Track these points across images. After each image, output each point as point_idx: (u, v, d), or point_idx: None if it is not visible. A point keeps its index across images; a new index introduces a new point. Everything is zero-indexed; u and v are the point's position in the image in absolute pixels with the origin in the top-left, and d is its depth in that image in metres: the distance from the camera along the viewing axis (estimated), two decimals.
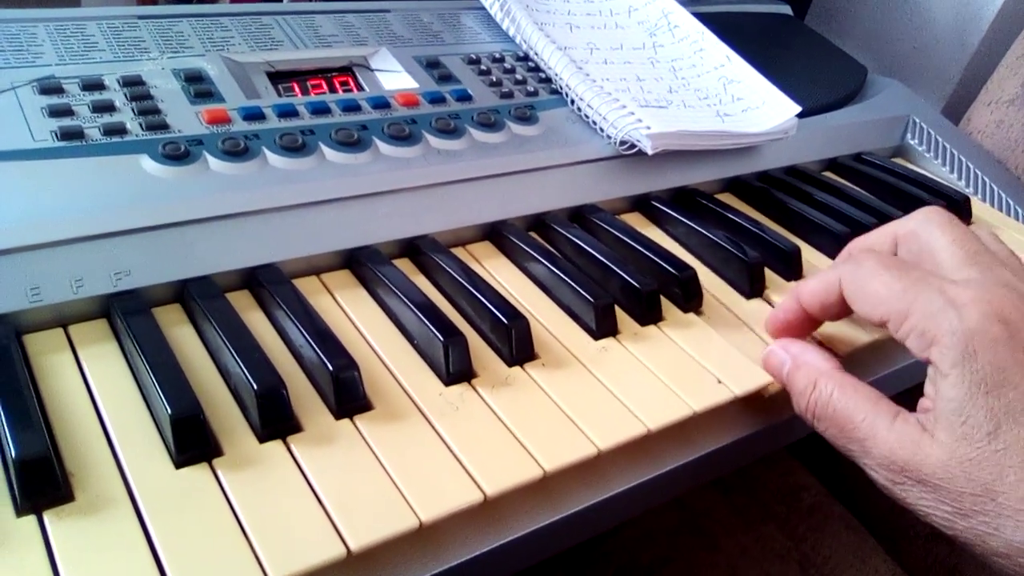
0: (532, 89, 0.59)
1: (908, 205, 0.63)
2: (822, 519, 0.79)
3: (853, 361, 0.48)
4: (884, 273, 0.40)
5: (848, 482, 0.85)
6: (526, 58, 0.62)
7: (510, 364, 0.42)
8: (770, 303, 0.51)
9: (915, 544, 0.81)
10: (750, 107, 0.61)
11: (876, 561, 0.76)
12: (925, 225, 0.43)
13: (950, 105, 0.90)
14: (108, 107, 0.46)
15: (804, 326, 0.46)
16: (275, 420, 0.35)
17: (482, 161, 0.52)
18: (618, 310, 0.46)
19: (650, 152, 0.54)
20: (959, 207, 0.64)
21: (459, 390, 0.40)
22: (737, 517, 0.78)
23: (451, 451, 0.36)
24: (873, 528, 0.80)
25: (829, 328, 0.49)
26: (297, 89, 0.53)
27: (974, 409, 0.35)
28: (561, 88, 0.59)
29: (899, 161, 0.74)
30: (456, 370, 0.40)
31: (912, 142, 0.75)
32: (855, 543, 0.78)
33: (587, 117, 0.57)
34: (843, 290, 0.42)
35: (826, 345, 0.47)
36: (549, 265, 0.48)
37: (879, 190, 0.66)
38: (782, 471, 0.83)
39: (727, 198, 0.62)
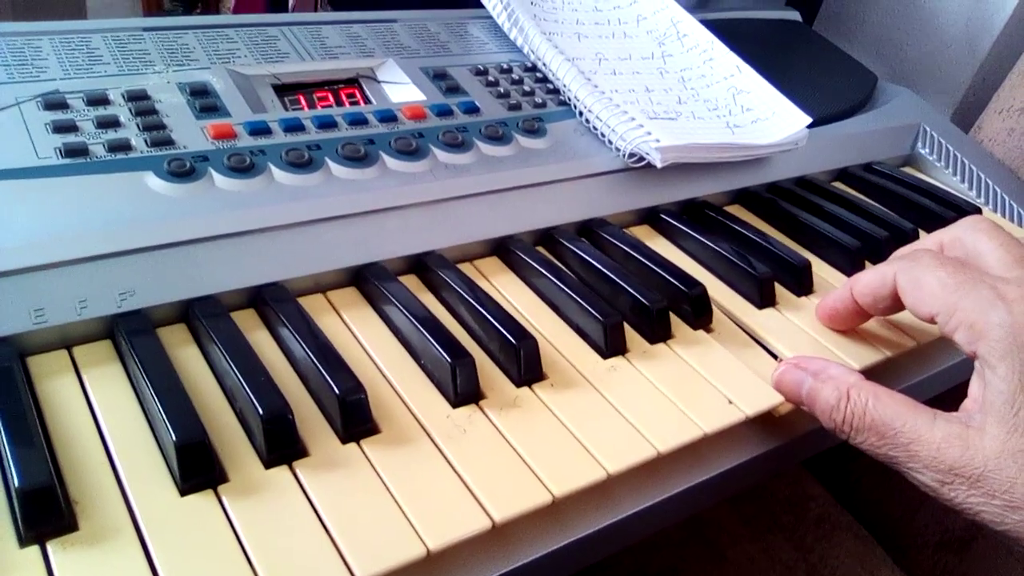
0: (540, 100, 0.58)
1: (919, 217, 0.63)
2: (830, 529, 0.78)
3: (875, 372, 0.48)
4: (939, 269, 0.41)
5: (856, 491, 0.85)
6: (534, 68, 0.62)
7: (518, 385, 0.42)
8: (782, 317, 0.51)
9: (923, 554, 0.81)
10: (760, 118, 0.61)
11: (884, 572, 0.76)
12: (971, 232, 0.45)
13: (959, 112, 0.89)
14: (113, 123, 0.45)
15: (851, 318, 0.48)
16: (281, 445, 0.35)
17: (490, 175, 0.51)
18: (627, 327, 0.46)
19: (659, 165, 0.54)
20: None
21: (467, 412, 0.39)
22: (745, 527, 0.77)
23: (459, 476, 0.36)
24: (881, 538, 0.80)
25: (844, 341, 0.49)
26: (303, 102, 0.52)
27: None
28: (569, 99, 0.59)
29: (909, 171, 0.73)
30: (464, 392, 0.40)
31: (923, 151, 0.74)
32: (863, 553, 0.77)
33: (596, 129, 0.57)
34: (897, 284, 0.43)
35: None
36: (557, 281, 0.47)
37: (890, 201, 0.66)
38: (790, 480, 0.82)
39: (736, 210, 0.62)
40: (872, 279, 0.45)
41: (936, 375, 0.53)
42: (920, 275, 0.42)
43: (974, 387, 0.40)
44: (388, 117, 0.52)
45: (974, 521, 0.38)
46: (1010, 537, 0.37)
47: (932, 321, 0.41)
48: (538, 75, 0.61)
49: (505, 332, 0.42)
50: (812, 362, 0.44)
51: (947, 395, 0.50)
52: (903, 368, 0.52)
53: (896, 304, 0.45)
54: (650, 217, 0.58)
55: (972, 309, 0.39)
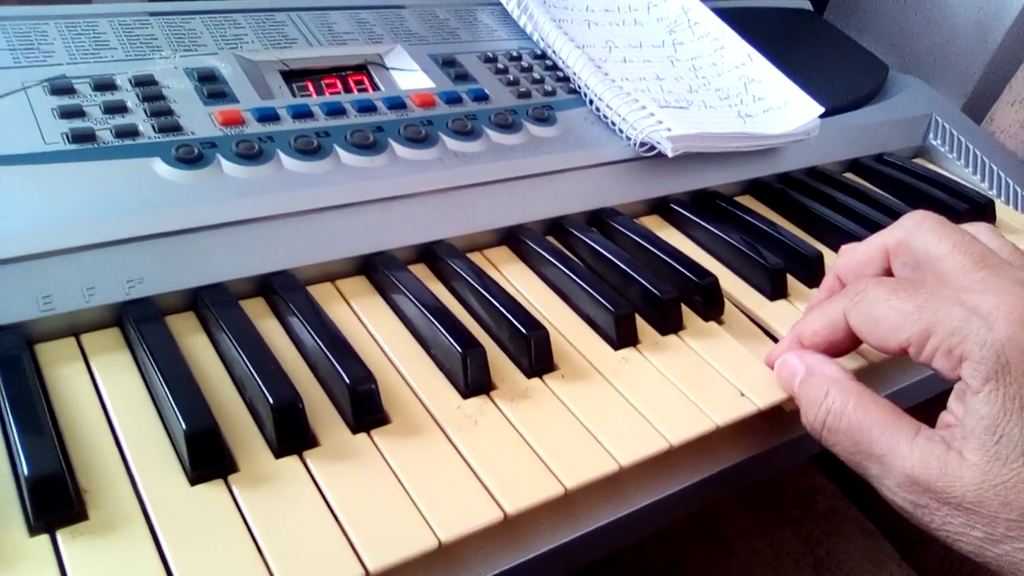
0: (550, 88, 0.58)
1: (931, 208, 0.62)
2: (837, 523, 0.78)
3: (867, 373, 0.47)
4: (891, 297, 0.37)
5: (864, 486, 0.84)
6: (544, 56, 0.61)
7: (529, 375, 0.41)
8: (794, 308, 0.50)
9: (931, 549, 0.80)
10: (772, 107, 0.60)
11: (891, 566, 0.75)
12: (917, 233, 0.40)
13: (971, 103, 0.89)
14: (120, 108, 0.45)
15: None
16: (291, 435, 0.35)
17: (499, 163, 0.51)
18: (638, 318, 0.45)
19: (670, 154, 0.53)
20: (983, 211, 0.63)
21: (477, 403, 0.39)
22: (752, 520, 0.77)
23: (470, 467, 0.36)
24: (889, 532, 0.79)
25: None
26: (311, 89, 0.52)
27: (1009, 426, 0.33)
28: (579, 88, 0.58)
29: (921, 162, 0.73)
30: (474, 382, 0.39)
31: (934, 142, 0.73)
32: (870, 548, 0.77)
33: (606, 118, 0.56)
34: (851, 325, 0.39)
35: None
36: (567, 271, 0.47)
37: (901, 192, 0.65)
38: (797, 473, 0.82)
39: (747, 200, 0.61)
40: (820, 326, 0.41)
41: (920, 382, 0.51)
42: (871, 310, 0.37)
43: (954, 406, 0.36)
44: (397, 104, 0.51)
45: (954, 548, 0.34)
46: (991, 568, 0.34)
47: (904, 352, 0.37)
48: (548, 63, 0.60)
49: (515, 322, 0.42)
50: (809, 355, 0.41)
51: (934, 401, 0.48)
52: (884, 374, 0.49)
53: (853, 343, 0.40)
54: (661, 207, 0.57)
55: (946, 332, 0.34)
